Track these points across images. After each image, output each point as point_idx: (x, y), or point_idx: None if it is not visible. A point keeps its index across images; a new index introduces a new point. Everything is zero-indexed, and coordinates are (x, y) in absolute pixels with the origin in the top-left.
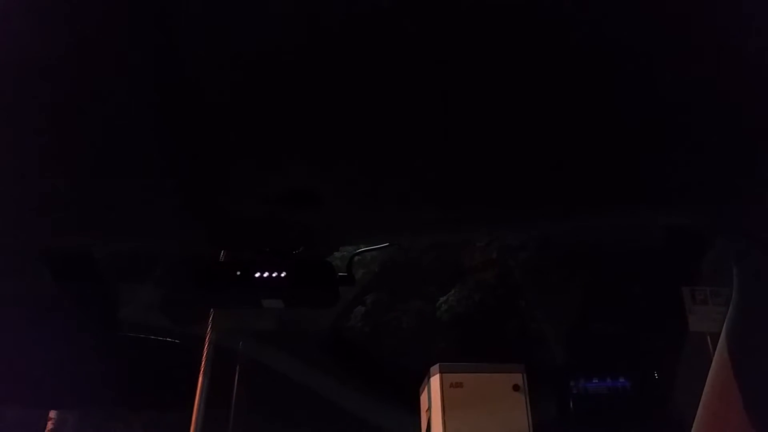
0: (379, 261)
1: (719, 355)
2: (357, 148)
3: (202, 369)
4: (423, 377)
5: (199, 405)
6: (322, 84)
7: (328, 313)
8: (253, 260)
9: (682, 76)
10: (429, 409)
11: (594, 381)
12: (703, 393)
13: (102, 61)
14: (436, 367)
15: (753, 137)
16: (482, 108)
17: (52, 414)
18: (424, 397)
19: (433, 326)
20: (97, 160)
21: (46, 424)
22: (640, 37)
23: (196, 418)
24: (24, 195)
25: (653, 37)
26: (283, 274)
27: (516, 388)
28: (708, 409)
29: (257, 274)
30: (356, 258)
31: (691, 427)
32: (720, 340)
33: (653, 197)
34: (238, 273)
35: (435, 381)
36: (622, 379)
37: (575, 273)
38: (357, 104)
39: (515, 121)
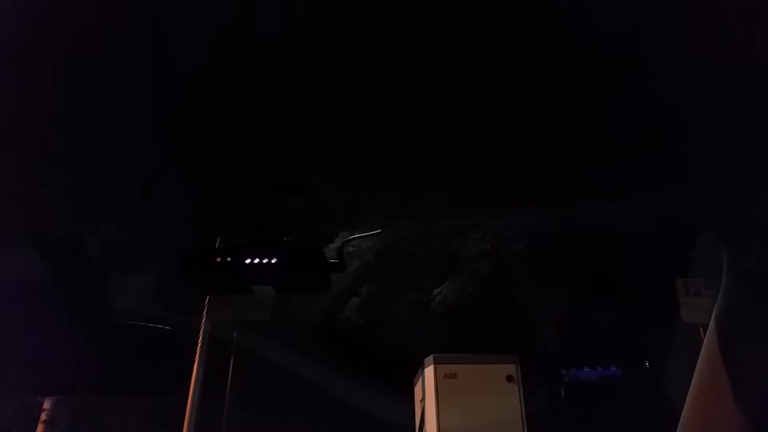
0: (374, 252)
1: (708, 342)
2: (348, 133)
3: (197, 359)
4: (417, 368)
5: (193, 395)
6: (313, 72)
7: (323, 304)
8: (243, 247)
9: (679, 69)
10: (423, 399)
11: (585, 369)
12: (693, 379)
13: (96, 52)
14: (430, 358)
15: (745, 126)
16: (477, 93)
17: (46, 405)
18: (418, 388)
19: (428, 317)
20: (89, 146)
21: (39, 415)
22: (637, 35)
23: (191, 408)
24: (16, 181)
25: (650, 36)
26: (273, 261)
27: (509, 378)
28: (697, 395)
29: (247, 261)
30: (349, 248)
31: (681, 414)
32: (709, 327)
33: (644, 184)
34: (228, 259)
35: (429, 372)
36: (613, 368)
37: (569, 264)
38: (348, 90)
39: (510, 109)
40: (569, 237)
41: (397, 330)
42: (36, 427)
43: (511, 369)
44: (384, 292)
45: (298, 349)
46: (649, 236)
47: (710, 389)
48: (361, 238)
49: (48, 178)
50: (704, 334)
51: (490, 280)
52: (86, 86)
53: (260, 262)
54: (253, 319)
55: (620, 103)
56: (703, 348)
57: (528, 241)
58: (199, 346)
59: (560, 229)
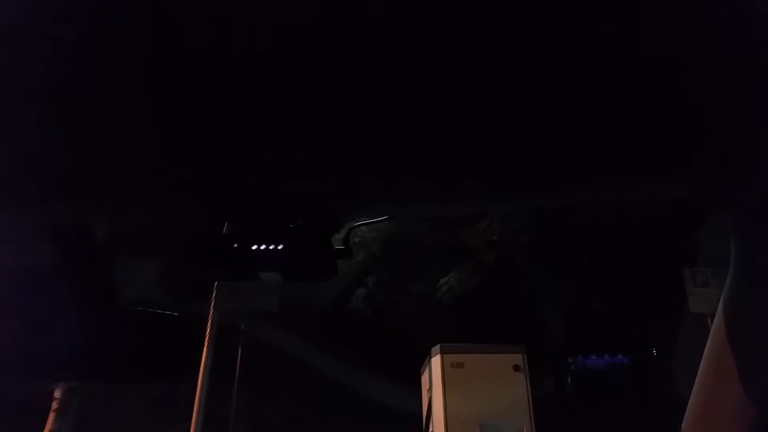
0: (380, 242)
1: (716, 330)
2: (355, 118)
3: (206, 347)
4: (424, 357)
5: (202, 383)
6: (317, 59)
7: (330, 294)
8: (250, 233)
9: (682, 47)
10: (430, 388)
11: (592, 357)
12: (700, 367)
13: (102, 39)
14: (437, 348)
15: (752, 108)
16: (482, 77)
17: (57, 394)
18: (425, 377)
19: (434, 307)
20: (96, 132)
21: (50, 404)
22: (636, 16)
23: (200, 396)
24: (25, 169)
25: (648, 16)
26: (280, 247)
27: (516, 368)
28: (704, 383)
29: (254, 247)
30: (355, 238)
31: (688, 402)
32: (716, 316)
33: (651, 169)
34: (236, 245)
35: (436, 361)
36: (620, 356)
37: (576, 254)
38: (355, 74)
39: (514, 91)
40: (577, 227)
41: (404, 320)
42: (47, 416)
43: (518, 358)
44: (390, 282)
45: (305, 338)
46: (656, 225)
47: (717, 377)
48: (367, 226)
49: (54, 168)
50: (711, 322)
51: (496, 270)
52: (90, 73)
53: (267, 249)
54: (260, 309)
55: (626, 89)
56: (710, 336)
57: (535, 231)
58: (207, 334)
59: (568, 218)
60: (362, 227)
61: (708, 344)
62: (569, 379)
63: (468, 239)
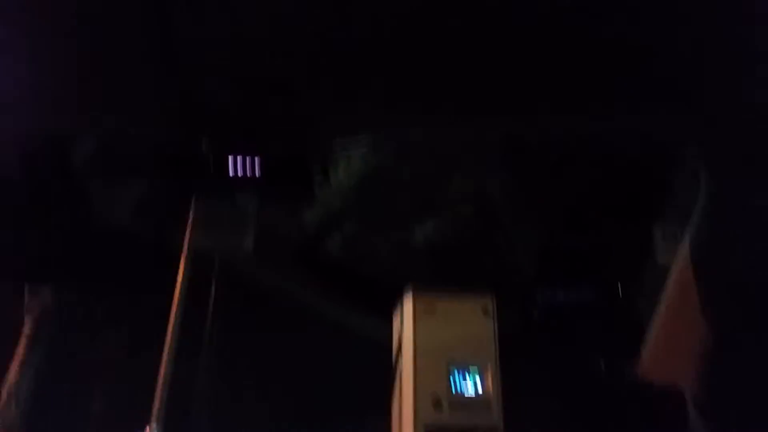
0: (357, 189)
1: (681, 259)
2: (330, 38)
3: (180, 277)
4: (398, 298)
5: (176, 313)
6: None
7: (306, 236)
8: (228, 150)
9: None
10: (401, 329)
11: (559, 293)
12: (662, 299)
13: None
14: (408, 289)
15: (717, 45)
16: (463, 8)
17: (27, 322)
18: (397, 318)
19: (410, 253)
20: (78, 39)
21: (21, 332)
22: None
23: (173, 328)
24: (7, 78)
25: None
26: (257, 167)
27: (485, 311)
28: (666, 312)
29: (231, 164)
30: (331, 185)
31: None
32: (683, 245)
33: (625, 103)
34: (213, 162)
35: (407, 303)
36: (586, 292)
37: (550, 197)
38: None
39: (496, 18)
40: (553, 172)
41: (379, 264)
42: (17, 346)
43: (487, 303)
44: (366, 229)
45: (279, 275)
46: (630, 175)
47: (676, 310)
48: (344, 172)
49: (39, 74)
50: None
51: (472, 218)
52: None
53: (244, 168)
54: (234, 245)
55: (605, 19)
56: (673, 270)
57: (511, 177)
58: (182, 264)
59: (543, 161)
60: (339, 171)
61: (671, 279)
62: (536, 315)
63: (445, 187)
